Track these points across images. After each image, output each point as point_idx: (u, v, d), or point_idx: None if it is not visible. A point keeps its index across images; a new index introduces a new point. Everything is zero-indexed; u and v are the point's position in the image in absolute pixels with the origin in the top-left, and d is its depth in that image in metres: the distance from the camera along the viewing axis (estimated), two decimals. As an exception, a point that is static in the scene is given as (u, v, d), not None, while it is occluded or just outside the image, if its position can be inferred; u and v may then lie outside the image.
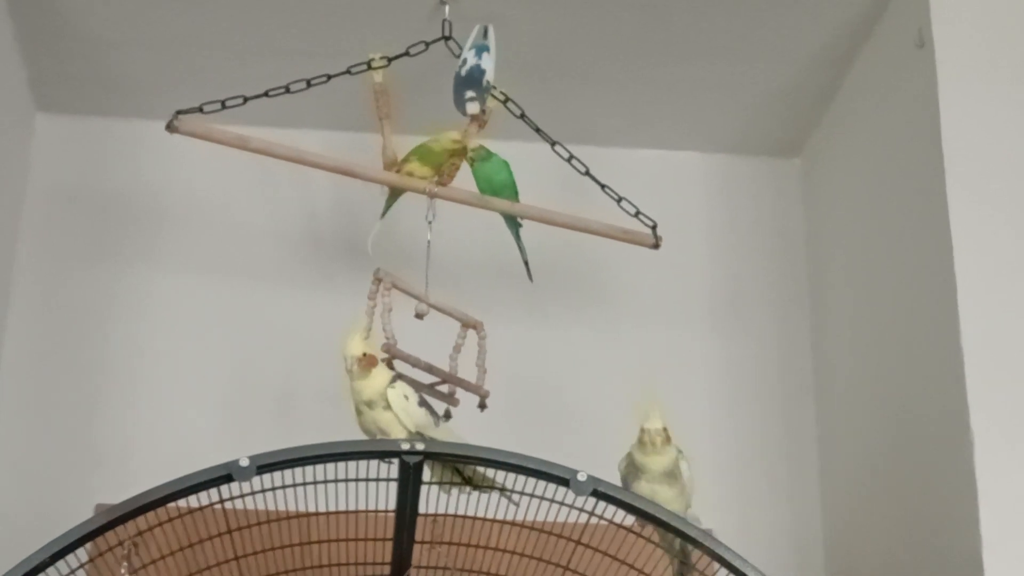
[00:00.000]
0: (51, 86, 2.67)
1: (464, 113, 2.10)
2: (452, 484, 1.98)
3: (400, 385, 1.97)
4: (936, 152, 2.18)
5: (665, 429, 1.98)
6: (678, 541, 1.97)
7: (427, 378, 2.08)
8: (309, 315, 2.62)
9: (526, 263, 2.25)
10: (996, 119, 2.19)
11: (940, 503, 2.11)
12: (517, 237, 2.24)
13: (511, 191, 2.18)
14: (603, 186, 2.18)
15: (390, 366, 2.01)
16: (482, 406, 2.09)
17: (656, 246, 2.20)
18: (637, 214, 2.19)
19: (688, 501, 2.00)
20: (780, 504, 2.64)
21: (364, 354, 1.96)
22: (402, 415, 1.94)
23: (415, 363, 2.03)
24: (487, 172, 2.16)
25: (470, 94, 2.08)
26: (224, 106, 2.07)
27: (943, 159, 2.16)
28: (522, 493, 1.93)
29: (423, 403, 1.98)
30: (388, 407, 1.94)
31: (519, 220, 2.23)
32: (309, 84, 2.12)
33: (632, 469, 2.00)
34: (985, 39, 2.22)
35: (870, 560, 2.40)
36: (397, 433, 1.93)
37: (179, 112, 2.07)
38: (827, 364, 2.68)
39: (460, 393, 2.12)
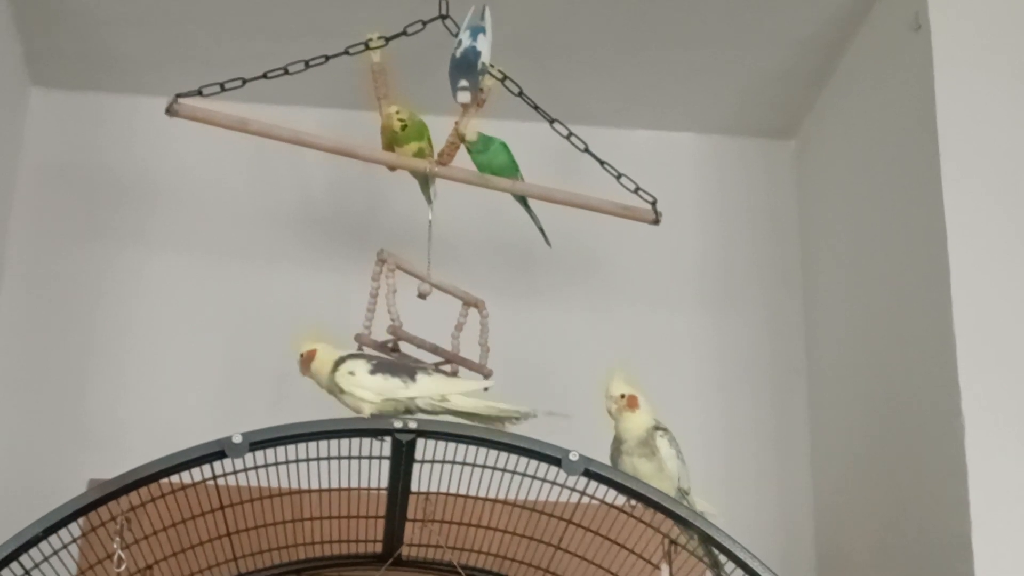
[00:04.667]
0: (46, 61, 2.66)
1: (456, 100, 2.09)
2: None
3: (344, 364, 1.92)
4: (931, 136, 2.18)
5: (624, 396, 2.00)
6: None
7: (432, 358, 2.08)
8: (302, 294, 2.62)
9: (541, 229, 2.24)
10: (992, 103, 2.19)
11: (930, 486, 2.12)
12: (527, 207, 2.24)
13: (512, 171, 2.18)
14: (603, 163, 2.18)
15: (395, 348, 2.01)
16: (485, 388, 2.09)
17: (656, 222, 2.20)
18: (637, 190, 2.19)
19: (676, 483, 2.00)
20: (770, 486, 2.65)
21: (302, 354, 1.95)
22: (358, 392, 1.90)
23: (420, 344, 2.02)
24: (486, 159, 2.15)
25: (463, 83, 2.06)
26: (223, 88, 2.06)
27: (938, 143, 2.17)
28: (514, 472, 1.93)
29: (377, 369, 1.91)
30: (343, 391, 1.91)
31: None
32: (307, 65, 2.11)
33: (616, 444, 2.02)
34: (981, 23, 2.22)
35: (860, 542, 2.41)
36: (367, 410, 1.89)
37: (179, 95, 2.06)
38: (819, 346, 2.69)
39: (464, 372, 2.12)
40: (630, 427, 2.00)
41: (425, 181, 2.17)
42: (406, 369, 1.92)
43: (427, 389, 1.90)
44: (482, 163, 2.16)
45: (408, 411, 1.90)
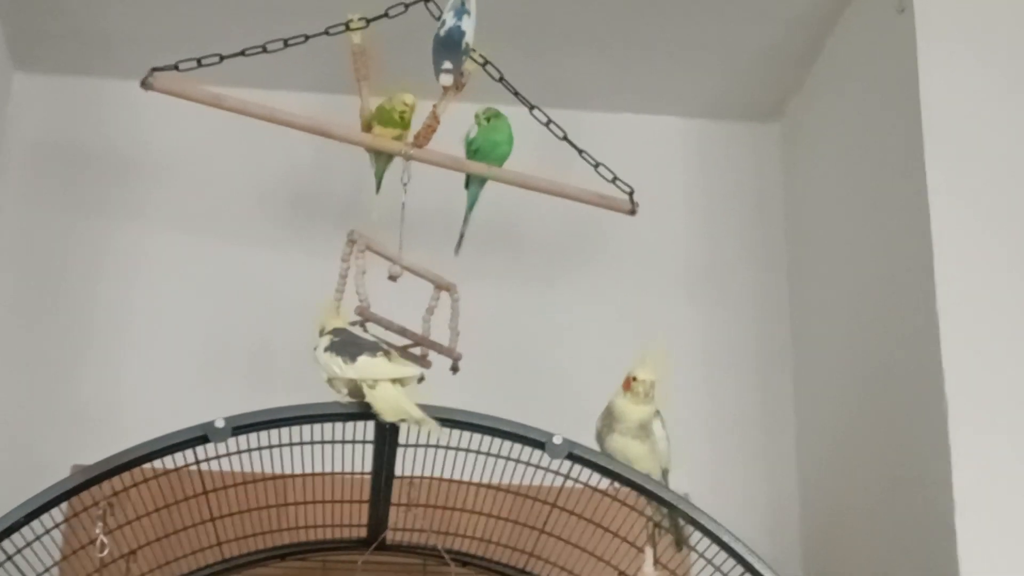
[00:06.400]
0: (29, 45, 2.65)
1: (439, 82, 2.09)
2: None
3: (321, 338, 1.92)
4: (915, 117, 2.18)
5: (654, 384, 1.99)
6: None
7: (401, 341, 2.07)
8: (287, 274, 2.61)
9: (462, 235, 2.23)
10: (975, 84, 2.19)
11: (914, 468, 2.13)
12: (470, 208, 2.22)
13: (500, 163, 2.17)
14: (580, 151, 2.17)
15: (363, 328, 2.00)
16: (454, 369, 2.09)
17: (632, 212, 2.20)
18: (614, 180, 2.18)
19: (663, 464, 2.00)
20: (756, 468, 2.65)
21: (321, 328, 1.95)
22: (319, 368, 1.89)
23: (388, 326, 2.01)
24: (495, 137, 2.14)
25: (446, 65, 2.06)
26: (200, 64, 2.05)
27: (922, 124, 2.17)
28: (498, 456, 1.93)
29: (331, 347, 1.88)
30: None
31: (477, 199, 2.23)
32: (287, 44, 2.11)
33: (608, 420, 2.00)
34: (964, 4, 2.22)
35: (844, 523, 2.41)
36: (334, 388, 1.88)
37: (154, 69, 2.06)
38: (804, 328, 2.69)
39: (434, 356, 2.11)
40: (640, 412, 1.99)
41: (383, 166, 2.16)
42: (353, 349, 1.87)
43: (363, 371, 1.85)
44: (487, 138, 2.13)
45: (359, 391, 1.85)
